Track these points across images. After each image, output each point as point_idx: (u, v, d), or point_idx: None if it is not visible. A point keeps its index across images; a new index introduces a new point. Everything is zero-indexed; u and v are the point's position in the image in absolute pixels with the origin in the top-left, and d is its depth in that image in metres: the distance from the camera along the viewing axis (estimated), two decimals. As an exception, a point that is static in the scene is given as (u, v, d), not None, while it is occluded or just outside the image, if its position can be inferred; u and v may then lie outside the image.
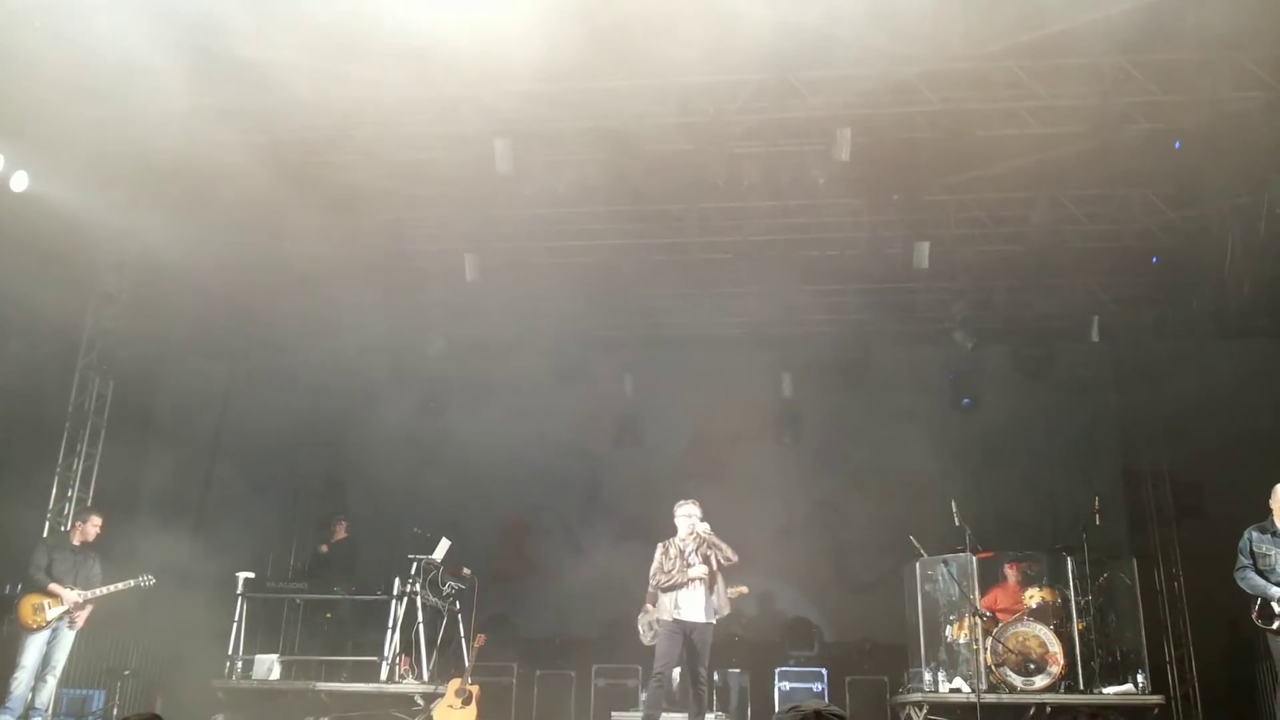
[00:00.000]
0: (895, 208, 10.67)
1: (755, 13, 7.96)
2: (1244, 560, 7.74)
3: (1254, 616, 7.65)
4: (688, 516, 8.56)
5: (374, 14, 7.92)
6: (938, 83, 8.91)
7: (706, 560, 8.41)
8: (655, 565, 8.61)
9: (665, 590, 8.45)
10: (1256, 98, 8.74)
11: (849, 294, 12.79)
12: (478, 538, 11.98)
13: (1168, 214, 10.73)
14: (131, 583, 9.09)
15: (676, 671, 10.81)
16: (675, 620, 8.33)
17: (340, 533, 11.93)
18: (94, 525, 9.31)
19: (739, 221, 11.23)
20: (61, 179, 9.63)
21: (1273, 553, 7.61)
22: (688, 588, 8.38)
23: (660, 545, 8.65)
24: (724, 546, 8.44)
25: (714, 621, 8.46)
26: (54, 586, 8.80)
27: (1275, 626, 7.51)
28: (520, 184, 9.94)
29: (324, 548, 12.03)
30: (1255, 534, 7.75)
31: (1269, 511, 7.78)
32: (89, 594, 8.91)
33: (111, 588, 8.98)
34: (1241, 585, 7.71)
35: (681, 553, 8.48)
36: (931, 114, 9.23)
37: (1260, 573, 7.64)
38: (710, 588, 8.40)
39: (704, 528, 8.47)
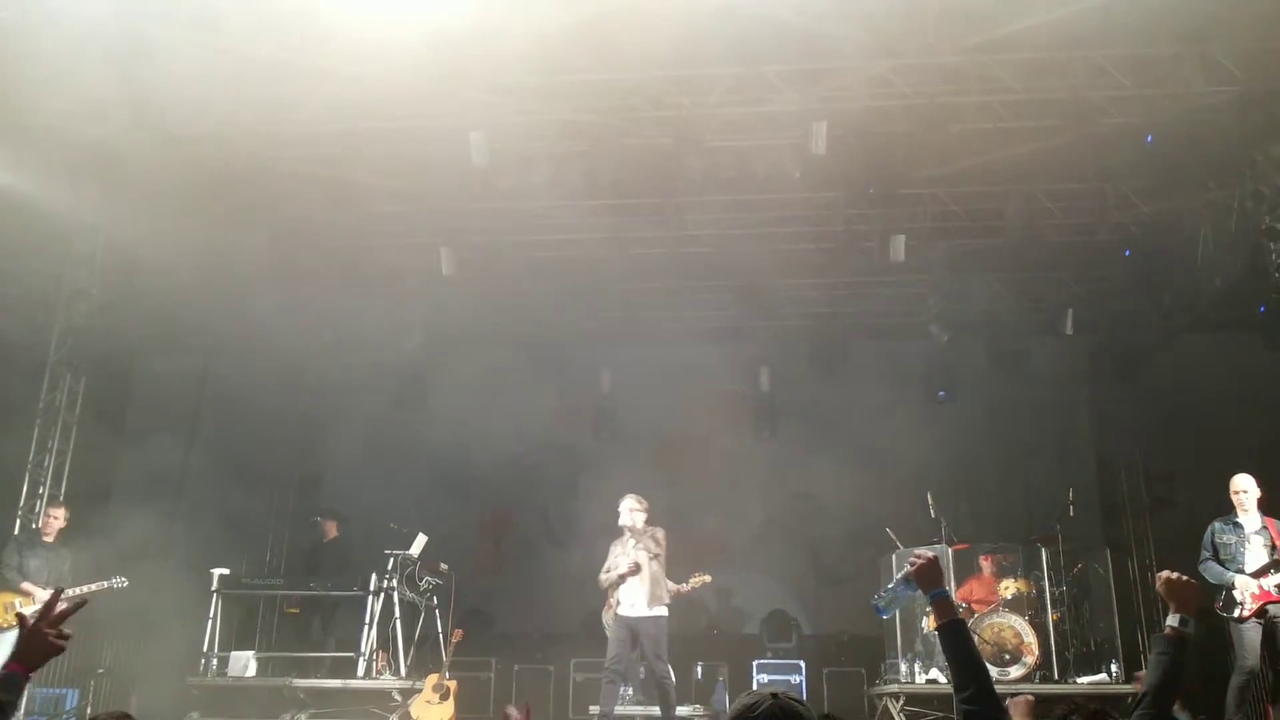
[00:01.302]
0: (871, 201, 10.70)
1: (729, 6, 7.96)
2: (1206, 553, 7.90)
3: (1217, 607, 7.76)
4: (628, 510, 8.63)
5: (349, 8, 7.87)
6: (912, 76, 8.93)
7: (645, 553, 8.46)
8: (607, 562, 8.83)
9: (606, 588, 8.78)
10: (1228, 92, 8.81)
11: (825, 287, 12.84)
12: (455, 533, 11.94)
13: (1140, 208, 10.81)
14: (105, 584, 9.00)
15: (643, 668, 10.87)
16: (619, 615, 8.51)
17: (331, 531, 11.85)
18: (53, 517, 9.21)
19: (715, 215, 11.22)
20: (30, 173, 9.51)
21: (1233, 542, 7.78)
22: (626, 583, 8.47)
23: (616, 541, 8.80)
24: (646, 538, 8.50)
25: (656, 614, 8.40)
26: (26, 585, 8.72)
27: (1236, 614, 7.63)
28: (496, 177, 9.88)
29: (331, 528, 11.83)
30: (1218, 525, 7.93)
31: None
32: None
33: (84, 589, 8.87)
34: (1205, 576, 7.79)
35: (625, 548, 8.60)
36: (906, 108, 9.25)
37: (1222, 563, 7.79)
38: (647, 580, 8.39)
39: (634, 519, 8.58)
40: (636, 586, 8.41)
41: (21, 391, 11.07)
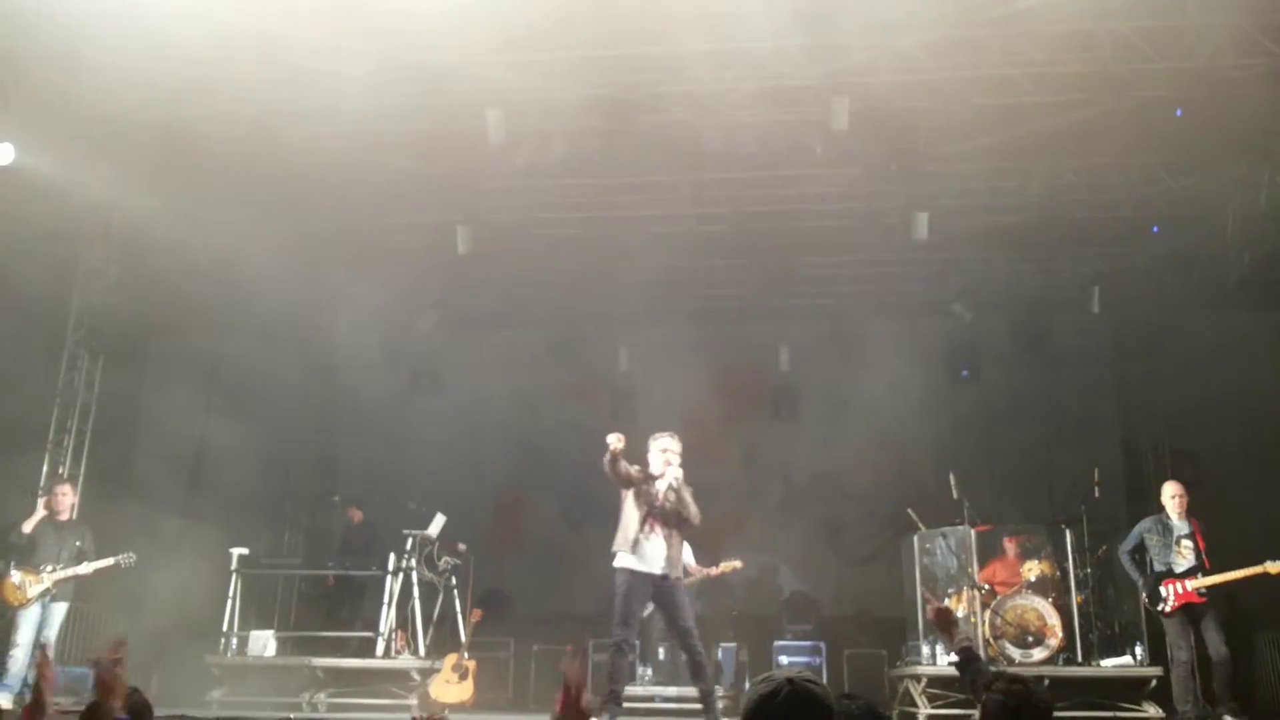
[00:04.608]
0: (893, 178, 10.55)
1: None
2: (1130, 543, 8.60)
3: (1144, 599, 8.50)
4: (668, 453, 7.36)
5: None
6: (936, 50, 8.78)
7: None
8: None
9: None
10: (1258, 65, 8.64)
11: (846, 265, 12.71)
12: (473, 513, 11.91)
13: (1168, 183, 10.63)
14: (111, 561, 8.96)
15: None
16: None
17: (357, 516, 11.91)
18: (59, 494, 9.17)
19: (734, 192, 11.11)
20: (47, 152, 9.50)
21: (1159, 543, 8.40)
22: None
23: None
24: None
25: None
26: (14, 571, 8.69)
27: (1160, 608, 8.28)
28: (513, 154, 9.80)
29: (356, 514, 11.93)
30: (1148, 524, 8.55)
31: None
32: (60, 574, 8.74)
33: (89, 566, 8.85)
34: (1120, 562, 8.68)
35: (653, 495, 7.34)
36: (929, 82, 9.10)
37: (1150, 559, 8.44)
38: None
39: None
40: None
41: (40, 372, 11.09)
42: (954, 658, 4.35)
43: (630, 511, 7.34)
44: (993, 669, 4.62)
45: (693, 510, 7.26)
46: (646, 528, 7.26)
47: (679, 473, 7.29)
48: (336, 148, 10.14)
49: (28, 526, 8.88)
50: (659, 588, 7.25)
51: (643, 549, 7.25)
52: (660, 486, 7.27)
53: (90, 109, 9.43)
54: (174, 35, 8.25)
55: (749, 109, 9.56)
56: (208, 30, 8.29)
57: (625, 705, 9.68)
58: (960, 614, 9.87)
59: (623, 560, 7.31)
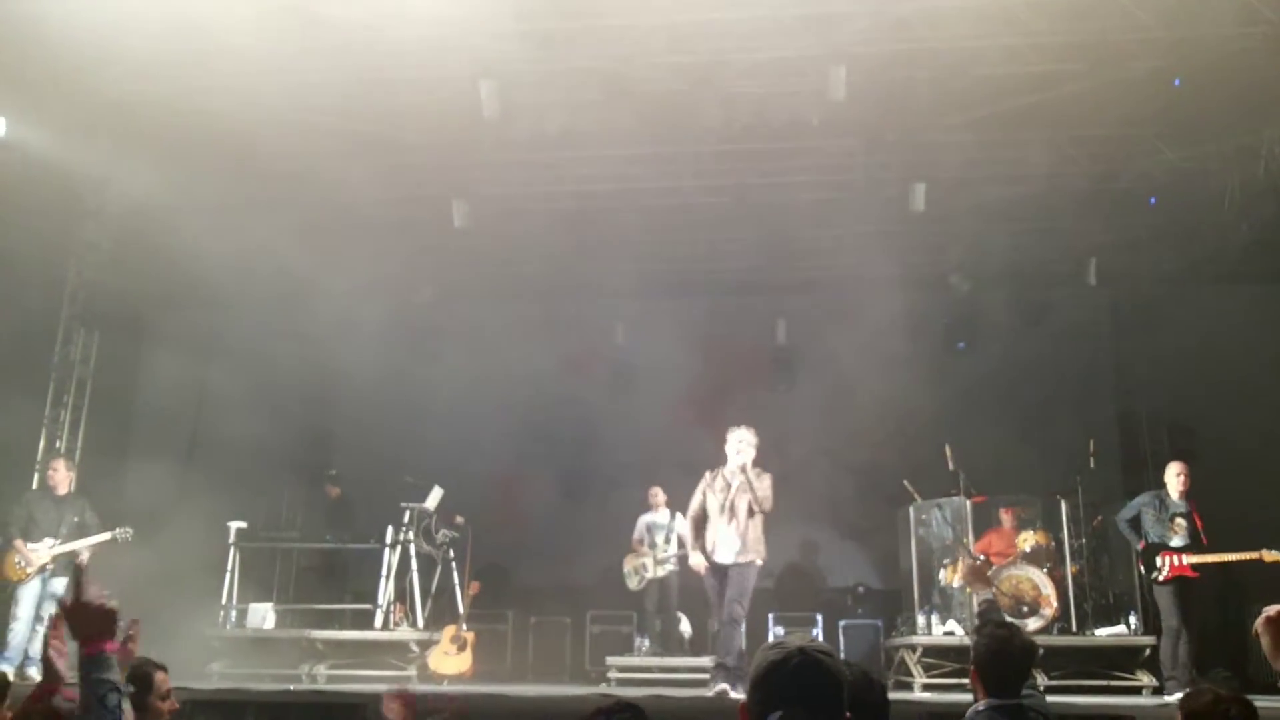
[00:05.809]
0: (891, 149, 10.51)
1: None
2: (1128, 513, 8.82)
3: (1140, 563, 8.80)
4: (745, 444, 7.83)
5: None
6: (935, 19, 8.70)
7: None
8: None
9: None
10: (1259, 34, 8.56)
11: (844, 237, 12.64)
12: (471, 486, 11.89)
13: (1167, 155, 10.56)
14: (107, 535, 8.97)
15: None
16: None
17: (334, 493, 11.94)
18: (53, 469, 9.18)
19: (732, 164, 11.04)
20: (42, 125, 9.45)
21: (1154, 517, 8.63)
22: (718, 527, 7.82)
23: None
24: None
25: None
26: (17, 543, 8.71)
27: (1154, 577, 8.50)
28: (509, 127, 9.72)
29: (333, 491, 12.02)
30: (1146, 498, 8.80)
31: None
32: (59, 549, 8.76)
33: (84, 541, 8.85)
34: (1119, 527, 8.92)
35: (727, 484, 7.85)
36: (928, 51, 9.03)
37: (1145, 530, 8.66)
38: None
39: (744, 456, 7.82)
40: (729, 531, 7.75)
41: (36, 347, 11.06)
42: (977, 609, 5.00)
43: (712, 505, 7.91)
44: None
45: (759, 495, 7.72)
46: (723, 517, 7.79)
47: (748, 457, 7.79)
48: (331, 121, 10.08)
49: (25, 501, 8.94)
50: (728, 571, 7.72)
51: (719, 536, 7.77)
52: (734, 481, 7.80)
53: (84, 82, 9.34)
54: (163, 10, 8.19)
55: (746, 80, 9.49)
56: (197, 4, 8.22)
57: (622, 675, 9.86)
58: (956, 585, 9.94)
59: (706, 548, 7.87)
